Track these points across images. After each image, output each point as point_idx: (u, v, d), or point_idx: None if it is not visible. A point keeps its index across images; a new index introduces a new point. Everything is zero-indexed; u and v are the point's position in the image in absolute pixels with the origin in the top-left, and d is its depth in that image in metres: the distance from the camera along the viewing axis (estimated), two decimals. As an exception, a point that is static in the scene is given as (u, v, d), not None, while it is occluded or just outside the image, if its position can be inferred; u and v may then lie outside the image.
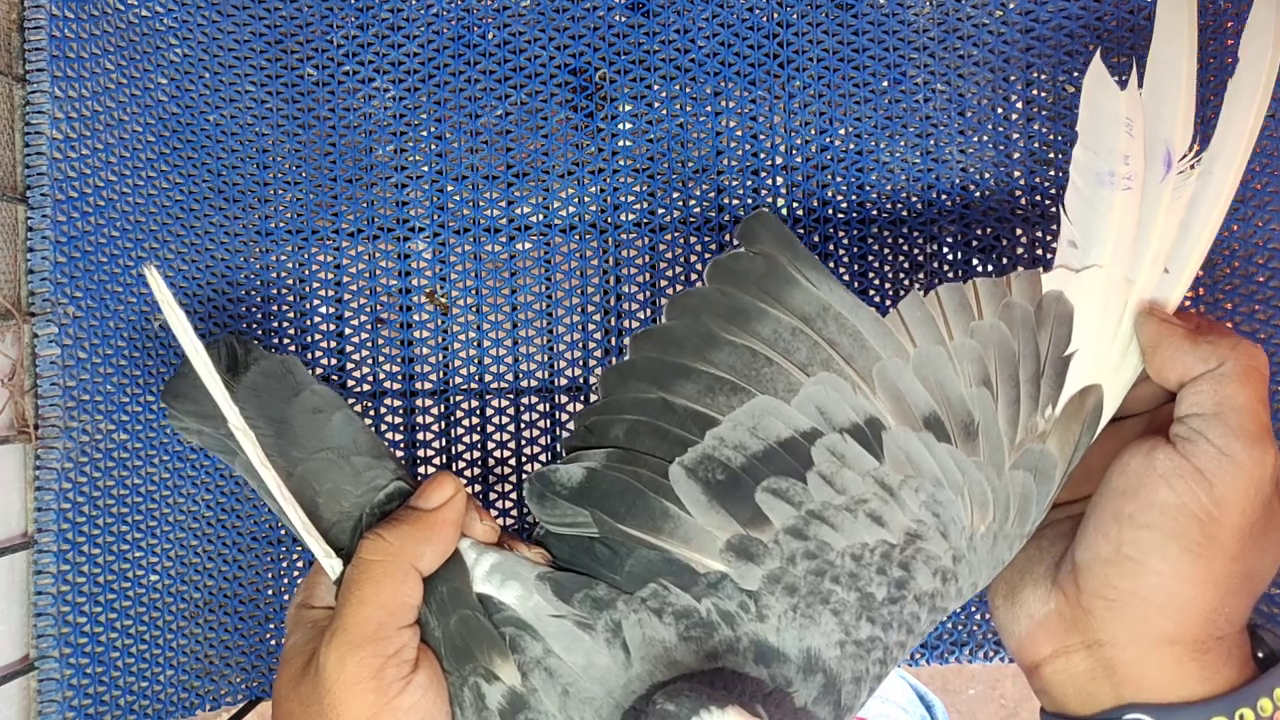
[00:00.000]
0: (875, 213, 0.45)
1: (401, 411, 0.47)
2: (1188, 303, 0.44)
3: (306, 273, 0.47)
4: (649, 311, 0.46)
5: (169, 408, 0.37)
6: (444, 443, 0.48)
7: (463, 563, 0.33)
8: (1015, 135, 0.45)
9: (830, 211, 0.45)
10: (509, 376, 0.47)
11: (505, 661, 0.31)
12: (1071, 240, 0.34)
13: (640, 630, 0.31)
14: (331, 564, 0.33)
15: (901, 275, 0.45)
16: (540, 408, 0.47)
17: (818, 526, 0.31)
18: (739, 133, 0.45)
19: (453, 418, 0.47)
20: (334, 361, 0.47)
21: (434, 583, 0.33)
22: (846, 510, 0.32)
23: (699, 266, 0.46)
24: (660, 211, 0.46)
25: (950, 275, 0.45)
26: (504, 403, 0.47)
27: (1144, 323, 0.33)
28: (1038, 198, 0.45)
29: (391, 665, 0.29)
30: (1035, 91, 0.45)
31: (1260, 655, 0.32)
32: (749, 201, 0.45)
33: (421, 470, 0.48)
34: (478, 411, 0.47)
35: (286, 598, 0.48)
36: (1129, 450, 0.33)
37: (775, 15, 0.44)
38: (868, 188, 0.45)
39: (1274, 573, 0.33)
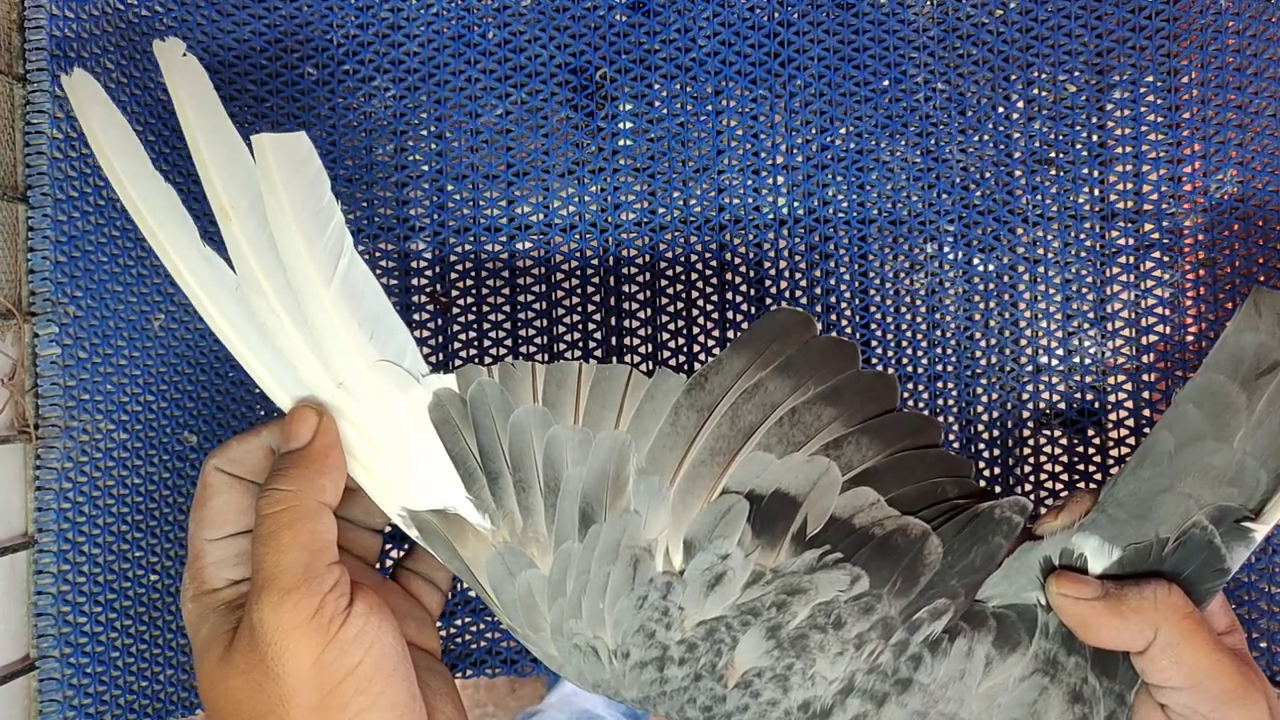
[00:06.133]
0: (875, 212, 0.45)
1: (402, 411, 0.47)
2: (1189, 302, 0.44)
3: (306, 273, 0.47)
4: (649, 311, 0.46)
5: None
6: (444, 443, 0.47)
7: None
8: (1015, 135, 0.45)
9: (830, 211, 0.45)
10: (509, 376, 0.47)
11: None
12: None
13: None
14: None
15: (901, 275, 0.45)
16: (540, 407, 0.47)
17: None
18: (739, 132, 0.45)
19: (453, 417, 0.47)
20: (334, 361, 0.47)
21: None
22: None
23: (699, 266, 0.46)
24: (660, 211, 0.46)
25: (951, 275, 0.45)
26: (504, 402, 0.47)
27: (1061, 603, 0.33)
28: (1038, 197, 0.45)
29: (329, 602, 0.29)
30: (1035, 91, 0.45)
31: None
32: (749, 201, 0.45)
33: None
34: (478, 411, 0.47)
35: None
36: None
37: (776, 15, 0.44)
38: (868, 187, 0.45)
39: None
